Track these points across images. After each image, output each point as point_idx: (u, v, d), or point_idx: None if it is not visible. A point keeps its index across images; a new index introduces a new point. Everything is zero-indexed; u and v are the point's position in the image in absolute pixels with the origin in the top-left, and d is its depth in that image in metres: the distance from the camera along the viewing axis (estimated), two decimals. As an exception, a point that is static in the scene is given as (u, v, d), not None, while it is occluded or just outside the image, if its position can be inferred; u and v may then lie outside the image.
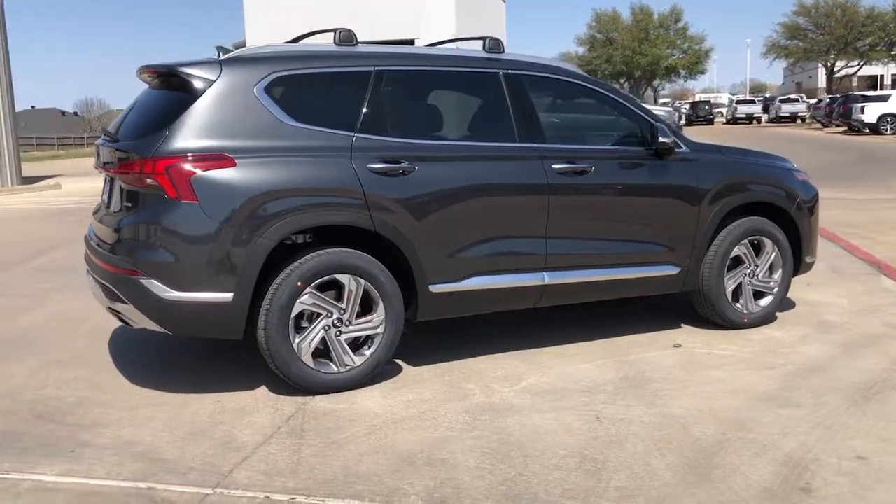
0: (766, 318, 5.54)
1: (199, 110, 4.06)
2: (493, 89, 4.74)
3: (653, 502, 3.10)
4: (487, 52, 4.86)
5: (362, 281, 4.26)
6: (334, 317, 4.25)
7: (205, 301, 3.99)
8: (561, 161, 4.73)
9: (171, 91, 4.20)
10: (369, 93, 4.38)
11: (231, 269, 3.98)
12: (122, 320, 4.37)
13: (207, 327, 4.13)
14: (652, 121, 5.06)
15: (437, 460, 3.48)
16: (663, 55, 63.71)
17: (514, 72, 4.78)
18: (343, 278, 4.23)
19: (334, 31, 4.61)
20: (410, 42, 28.30)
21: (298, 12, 28.77)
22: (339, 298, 4.26)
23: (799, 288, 6.53)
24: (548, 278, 4.76)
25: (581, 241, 4.85)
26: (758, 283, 5.49)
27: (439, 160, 4.46)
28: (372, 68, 4.43)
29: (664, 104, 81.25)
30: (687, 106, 59.72)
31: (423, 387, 4.41)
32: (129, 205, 4.12)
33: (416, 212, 4.35)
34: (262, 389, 4.35)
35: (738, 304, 5.44)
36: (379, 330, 4.35)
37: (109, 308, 4.28)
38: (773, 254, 5.49)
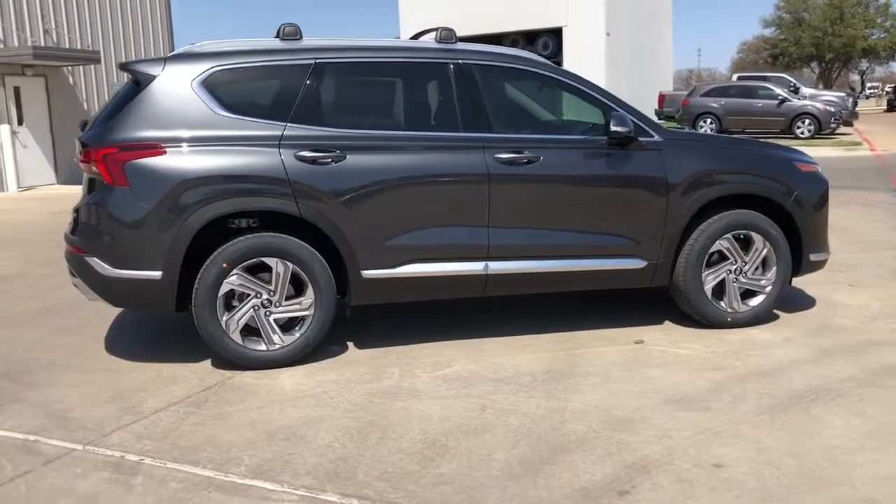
0: (757, 319, 5.20)
1: (140, 103, 4.43)
2: (439, 79, 4.79)
3: (460, 490, 3.11)
4: (438, 42, 4.91)
5: (290, 264, 4.48)
6: (263, 297, 4.49)
7: (137, 278, 4.36)
8: (505, 151, 4.70)
9: (131, 85, 4.61)
10: (305, 84, 4.57)
11: (159, 250, 4.33)
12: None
13: (142, 302, 4.51)
14: (614, 109, 4.89)
15: (295, 436, 3.64)
16: (860, 35, 58.60)
17: (463, 62, 4.80)
18: (270, 261, 4.46)
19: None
20: (558, 31, 28.13)
21: (452, 4, 29.33)
22: (270, 281, 4.50)
23: (836, 288, 6.10)
24: (491, 267, 4.75)
25: (528, 231, 4.80)
26: (746, 281, 5.16)
27: (371, 149, 4.58)
28: (311, 61, 4.62)
29: (872, 88, 74.72)
30: (890, 89, 54.81)
31: (349, 368, 4.56)
32: (87, 191, 4.58)
33: (344, 199, 4.50)
34: (206, 363, 4.68)
35: (721, 303, 5.14)
36: (308, 312, 4.55)
37: (73, 283, 4.77)
38: (764, 250, 5.14)
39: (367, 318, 5.53)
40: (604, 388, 4.18)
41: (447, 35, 4.90)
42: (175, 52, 4.71)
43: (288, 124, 4.50)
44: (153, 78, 4.46)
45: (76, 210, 4.57)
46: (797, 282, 6.25)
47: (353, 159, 4.52)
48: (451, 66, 4.77)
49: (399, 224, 4.60)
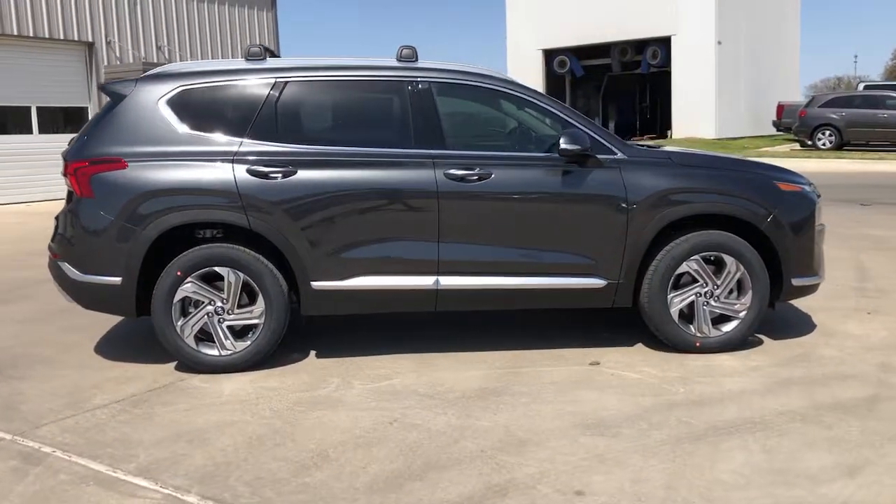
0: (730, 344, 4.98)
1: (111, 120, 4.77)
2: (395, 97, 4.89)
3: (313, 500, 3.19)
4: (398, 60, 5.00)
5: (241, 274, 4.69)
6: (216, 305, 4.72)
7: (101, 283, 4.69)
8: (456, 167, 4.74)
9: (108, 104, 4.96)
10: (263, 102, 4.78)
11: (119, 257, 4.64)
12: None
13: (107, 305, 4.83)
14: (570, 126, 4.83)
15: (199, 439, 3.83)
16: None
17: (421, 79, 4.87)
18: (222, 271, 4.69)
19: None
20: (667, 39, 27.41)
21: (559, 15, 29.21)
22: (223, 289, 4.73)
23: (851, 315, 5.82)
24: (442, 283, 4.80)
25: (480, 247, 4.81)
26: (718, 305, 4.96)
27: (321, 165, 4.73)
28: (270, 80, 4.83)
29: None
30: None
31: (294, 376, 4.72)
32: (66, 202, 4.96)
33: (294, 212, 4.67)
34: (170, 365, 4.95)
35: (690, 327, 4.96)
36: (259, 321, 4.75)
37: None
38: (738, 273, 4.93)
39: (340, 328, 5.69)
40: (525, 408, 4.14)
41: (408, 53, 4.98)
42: (148, 73, 5.02)
43: (244, 140, 4.72)
44: (124, 97, 4.78)
45: (56, 219, 4.96)
46: (806, 306, 5.97)
47: (303, 174, 4.68)
48: (408, 84, 4.85)
49: (348, 237, 4.73)
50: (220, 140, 4.72)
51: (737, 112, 28.55)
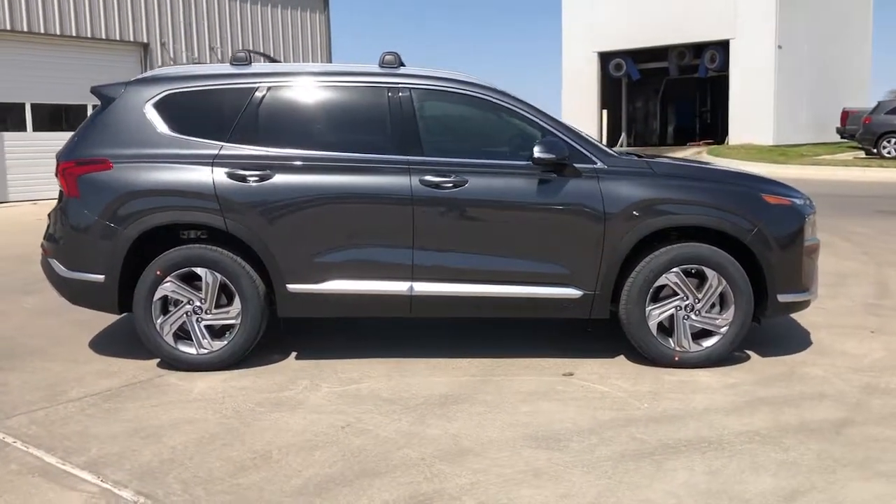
0: (710, 360, 4.87)
1: (99, 122, 4.93)
2: (374, 103, 4.92)
3: (237, 501, 3.25)
4: (380, 66, 5.03)
5: (218, 275, 4.79)
6: (195, 304, 4.84)
7: (85, 280, 4.85)
8: (431, 174, 4.76)
9: (100, 105, 5.11)
10: (246, 107, 4.88)
11: (101, 255, 4.79)
12: None
13: (91, 302, 4.99)
14: (549, 134, 4.80)
15: (154, 435, 3.93)
16: None
17: (402, 85, 4.90)
18: (200, 271, 4.80)
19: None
20: (725, 43, 26.81)
21: (615, 17, 28.87)
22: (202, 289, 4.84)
23: (853, 333, 5.68)
24: (416, 288, 4.82)
25: (455, 254, 4.81)
26: (699, 320, 4.86)
27: (298, 169, 4.80)
28: (253, 84, 4.92)
29: None
30: None
31: (267, 377, 4.80)
32: (58, 200, 5.14)
33: (269, 215, 4.75)
34: (153, 362, 5.08)
35: (669, 340, 4.87)
36: (235, 321, 4.84)
37: None
38: (720, 287, 4.81)
39: (328, 331, 5.75)
40: (481, 417, 4.13)
41: (389, 59, 5.01)
42: (137, 77, 5.16)
43: (225, 144, 4.82)
44: (113, 100, 4.94)
45: (48, 217, 5.14)
46: (809, 323, 5.81)
47: (279, 178, 4.76)
48: (387, 90, 4.89)
49: (322, 241, 4.78)
50: (202, 143, 4.83)
51: (797, 118, 27.75)
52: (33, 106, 16.12)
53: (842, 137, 27.35)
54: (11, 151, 15.74)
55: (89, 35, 16.88)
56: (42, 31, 16.08)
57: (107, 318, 6.07)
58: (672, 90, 33.08)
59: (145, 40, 17.89)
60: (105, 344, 5.56)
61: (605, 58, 30.65)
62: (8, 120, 16.06)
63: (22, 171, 15.85)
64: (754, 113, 26.73)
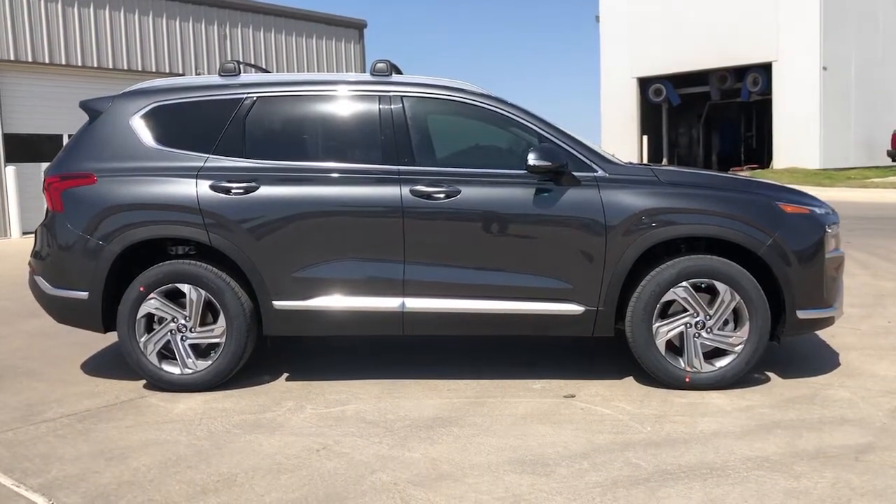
0: (725, 381, 4.52)
1: (86, 136, 4.83)
2: (364, 112, 4.73)
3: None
4: (372, 74, 4.85)
5: (202, 291, 4.61)
6: (179, 322, 4.66)
7: (70, 298, 4.71)
8: (422, 184, 4.53)
9: (88, 120, 5.01)
10: (232, 118, 4.72)
11: (86, 272, 4.64)
12: None
13: (77, 320, 4.84)
14: (546, 141, 4.55)
15: (120, 457, 3.73)
16: None
17: (393, 93, 4.71)
18: (184, 287, 4.62)
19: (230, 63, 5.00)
20: (767, 66, 26.26)
21: (654, 42, 28.54)
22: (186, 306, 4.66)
23: (887, 354, 5.27)
24: (408, 305, 4.57)
25: (448, 268, 4.56)
26: (710, 338, 4.52)
27: (284, 181, 4.61)
28: (240, 95, 4.77)
29: None
30: None
31: (251, 398, 4.58)
32: (44, 216, 5.03)
33: (254, 229, 4.57)
34: (140, 382, 4.90)
35: (680, 360, 4.54)
36: (220, 340, 4.64)
37: None
38: (733, 302, 4.48)
39: (325, 351, 5.53)
40: (467, 440, 3.85)
41: (381, 67, 4.82)
42: (125, 90, 5.05)
43: (210, 156, 4.67)
44: (100, 114, 4.83)
45: (34, 234, 5.03)
46: (840, 344, 5.43)
47: (264, 190, 4.58)
48: (378, 98, 4.70)
49: (309, 255, 4.58)
50: (188, 156, 4.68)
51: (844, 141, 26.95)
52: (70, 137, 16.35)
53: (893, 160, 26.48)
54: (48, 181, 15.96)
55: (126, 67, 17.15)
56: (80, 63, 16.38)
57: (107, 339, 5.93)
58: (714, 115, 32.49)
59: (181, 71, 18.12)
60: (98, 365, 5.41)
61: (645, 83, 30.25)
62: (46, 151, 16.32)
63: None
64: (800, 136, 26.03)
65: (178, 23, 18.13)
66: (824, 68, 25.50)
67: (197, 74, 18.32)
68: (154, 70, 17.58)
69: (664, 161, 30.59)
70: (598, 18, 31.62)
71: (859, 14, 26.90)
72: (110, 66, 16.89)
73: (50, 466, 3.63)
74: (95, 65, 16.65)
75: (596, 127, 31.52)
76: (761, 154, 30.98)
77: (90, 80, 16.42)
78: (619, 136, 29.34)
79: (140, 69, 17.36)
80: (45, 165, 15.82)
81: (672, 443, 3.77)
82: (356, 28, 22.31)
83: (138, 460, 3.68)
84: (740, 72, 28.26)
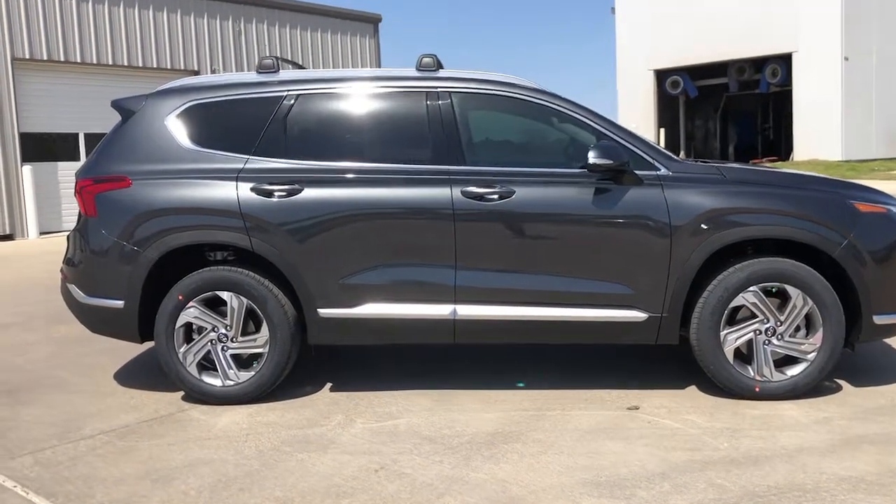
0: (797, 391, 4.27)
1: (119, 137, 4.60)
2: (412, 109, 4.49)
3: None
4: (417, 69, 4.61)
5: (244, 299, 4.39)
6: (220, 331, 4.43)
7: (104, 306, 4.50)
8: (474, 184, 4.29)
9: (120, 120, 4.78)
10: (273, 117, 4.49)
11: (120, 279, 4.42)
12: None
13: (111, 330, 4.63)
14: (605, 138, 4.30)
15: (166, 478, 3.51)
16: None
17: (441, 89, 4.47)
18: (225, 295, 4.40)
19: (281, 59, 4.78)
20: (787, 57, 25.89)
21: (670, 34, 28.18)
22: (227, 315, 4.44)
23: None
24: (459, 312, 4.34)
25: (502, 273, 4.33)
26: (780, 345, 4.27)
27: (329, 183, 4.38)
28: (281, 93, 4.54)
29: None
30: None
31: (297, 412, 4.35)
32: (77, 221, 4.81)
33: (298, 234, 4.34)
34: (178, 394, 4.69)
35: (749, 369, 4.29)
36: (263, 350, 4.42)
37: None
38: (805, 307, 4.22)
39: (366, 360, 5.31)
40: (534, 459, 3.61)
41: (427, 62, 4.58)
42: (159, 88, 4.83)
43: (250, 157, 4.44)
44: (133, 113, 4.61)
45: (67, 239, 4.82)
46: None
47: (309, 193, 4.35)
48: (425, 95, 4.46)
49: (356, 261, 4.35)
50: (227, 157, 4.46)
51: (867, 132, 26.54)
52: (87, 136, 16.18)
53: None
54: (65, 181, 15.80)
55: (140, 64, 16.97)
56: (95, 61, 16.21)
57: (136, 347, 5.72)
58: (732, 107, 32.10)
59: (196, 68, 17.93)
60: (132, 375, 5.20)
61: (662, 75, 29.89)
62: (62, 150, 16.17)
63: (75, 201, 15.87)
64: (821, 128, 25.65)
65: (192, 19, 17.94)
66: (846, 58, 25.09)
67: (212, 71, 18.13)
68: (169, 67, 17.39)
69: (681, 154, 30.25)
70: (613, 10, 31.27)
71: (881, 2, 26.45)
72: (125, 64, 16.72)
73: (94, 490, 3.42)
74: (111, 62, 16.46)
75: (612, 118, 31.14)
76: (778, 146, 30.61)
77: (106, 78, 16.26)
78: (635, 128, 28.93)
79: (155, 66, 17.18)
80: (61, 165, 15.79)
81: (754, 461, 3.52)
82: (371, 22, 22.07)
83: (186, 482, 3.46)
84: (759, 63, 27.87)
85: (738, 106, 31.95)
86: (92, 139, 16.30)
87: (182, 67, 17.66)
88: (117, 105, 4.71)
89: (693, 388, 4.54)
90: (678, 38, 28.14)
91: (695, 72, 29.31)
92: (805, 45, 25.76)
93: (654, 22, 29.03)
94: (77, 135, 16.25)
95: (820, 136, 25.74)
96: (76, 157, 16.16)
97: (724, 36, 26.93)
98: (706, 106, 32.19)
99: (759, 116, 32.75)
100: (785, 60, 26.82)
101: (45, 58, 15.48)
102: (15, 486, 3.48)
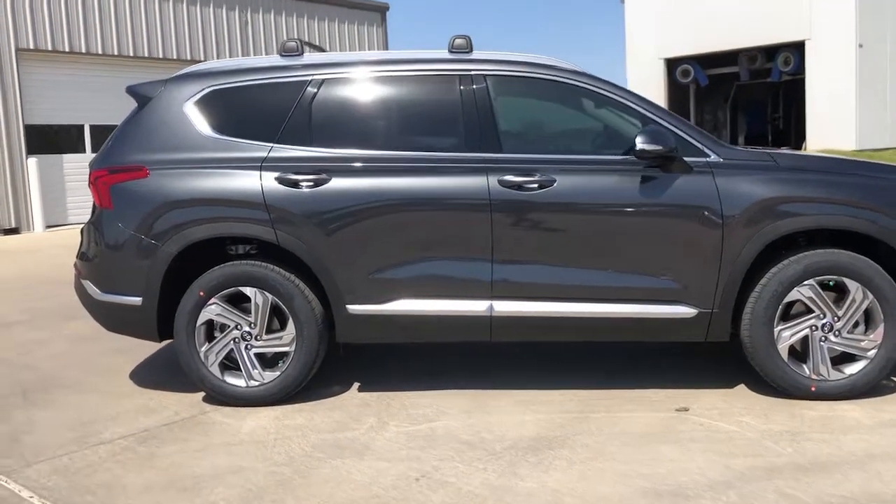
0: (856, 390, 4.03)
1: (135, 125, 4.36)
2: (445, 93, 4.24)
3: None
4: (450, 51, 4.35)
5: (269, 295, 4.15)
6: (243, 329, 4.20)
7: (121, 303, 4.26)
8: (511, 173, 4.04)
9: (136, 107, 4.54)
10: (297, 102, 4.25)
11: (138, 275, 4.19)
12: None
13: (128, 328, 4.39)
14: (652, 123, 4.04)
15: (192, 489, 3.28)
16: None
17: (475, 72, 4.22)
18: (249, 291, 4.16)
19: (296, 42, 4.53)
20: (800, 44, 25.53)
21: (681, 22, 27.83)
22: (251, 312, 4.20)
23: None
24: (496, 308, 4.10)
25: (542, 267, 4.08)
26: (839, 341, 4.02)
27: (358, 172, 4.14)
28: (306, 77, 4.29)
29: None
30: None
31: (326, 414, 4.12)
32: (91, 214, 4.58)
33: (326, 226, 4.10)
34: (199, 395, 4.46)
35: (804, 367, 4.05)
36: (289, 348, 4.19)
37: None
38: (865, 302, 3.98)
39: (394, 358, 5.08)
40: (584, 466, 3.37)
41: (460, 44, 4.33)
42: (177, 73, 4.58)
43: (274, 145, 4.20)
44: (149, 100, 4.36)
45: (80, 233, 4.58)
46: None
47: (337, 183, 4.11)
48: (459, 78, 4.21)
49: (387, 255, 4.11)
50: (249, 145, 4.21)
51: (881, 121, 26.14)
52: (92, 128, 15.93)
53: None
54: (70, 173, 15.57)
55: (146, 55, 16.69)
56: (100, 51, 15.94)
57: (152, 346, 5.49)
58: (742, 95, 31.70)
59: (202, 58, 17.64)
60: (148, 374, 4.97)
61: (672, 63, 29.47)
62: (67, 142, 15.93)
63: (81, 194, 15.62)
64: (834, 116, 25.26)
65: (198, 8, 17.67)
66: (860, 46, 24.69)
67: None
68: (175, 57, 17.12)
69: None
70: (622, -1, 30.85)
71: (895, -13, 26.04)
72: (131, 54, 16.45)
73: (116, 500, 3.19)
74: (116, 52, 16.20)
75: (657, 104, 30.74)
76: (789, 135, 30.22)
77: (111, 69, 15.99)
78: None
79: (161, 56, 16.92)
80: (66, 157, 15.55)
81: (823, 467, 3.28)
82: (378, 11, 21.77)
83: (214, 492, 3.23)
84: (771, 51, 27.43)
85: (748, 95, 31.53)
86: (97, 131, 16.05)
87: (188, 57, 17.37)
88: (133, 91, 4.46)
89: (742, 387, 4.30)
90: (689, 26, 27.72)
91: (705, 60, 28.88)
92: (818, 33, 25.34)
93: (664, 10, 28.61)
94: (82, 126, 16.00)
95: (834, 124, 25.35)
96: (81, 149, 15.92)
97: (735, 24, 26.49)
98: (716, 95, 31.78)
99: (768, 105, 32.35)
100: (798, 48, 26.38)
101: (49, 48, 15.21)
102: (32, 497, 3.26)
